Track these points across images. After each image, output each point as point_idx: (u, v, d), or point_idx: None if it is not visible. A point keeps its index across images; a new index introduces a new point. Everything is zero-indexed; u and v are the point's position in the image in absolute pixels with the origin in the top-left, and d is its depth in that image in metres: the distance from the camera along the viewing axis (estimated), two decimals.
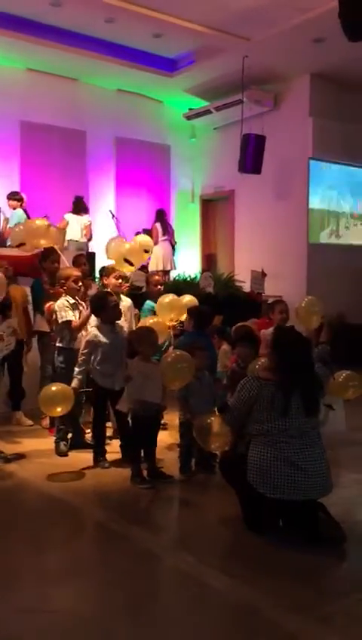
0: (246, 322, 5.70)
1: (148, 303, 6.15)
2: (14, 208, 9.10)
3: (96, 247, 9.32)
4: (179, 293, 6.00)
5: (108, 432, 5.30)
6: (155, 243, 10.27)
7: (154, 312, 5.88)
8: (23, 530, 3.76)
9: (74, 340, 5.26)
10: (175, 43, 9.63)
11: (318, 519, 3.45)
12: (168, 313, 5.56)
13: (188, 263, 11.64)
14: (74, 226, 9.52)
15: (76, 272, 5.53)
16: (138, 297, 6.52)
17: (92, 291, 6.09)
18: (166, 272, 10.21)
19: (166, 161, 12.30)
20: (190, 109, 11.90)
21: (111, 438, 5.33)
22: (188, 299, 5.81)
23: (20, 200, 9.17)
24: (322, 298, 5.57)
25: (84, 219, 9.76)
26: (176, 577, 3.17)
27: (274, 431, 3.47)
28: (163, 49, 9.98)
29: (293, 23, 8.62)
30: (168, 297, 5.68)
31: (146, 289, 6.57)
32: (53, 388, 4.70)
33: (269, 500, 3.44)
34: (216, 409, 4.33)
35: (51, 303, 5.57)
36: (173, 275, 10.46)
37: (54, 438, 5.30)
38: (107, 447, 5.05)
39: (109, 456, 4.98)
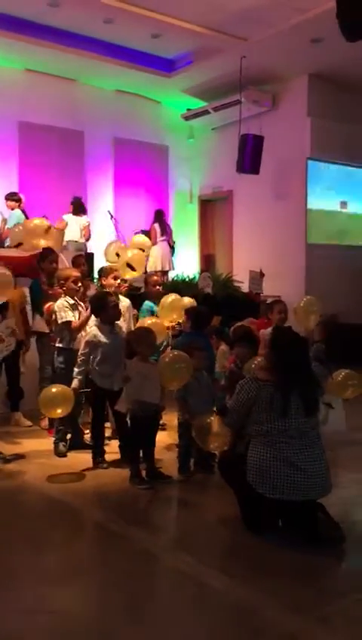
0: (243, 322, 5.70)
1: (147, 304, 6.15)
2: (12, 209, 9.11)
3: (95, 247, 9.32)
4: (178, 294, 5.99)
5: (107, 433, 5.30)
6: (154, 243, 10.31)
7: (152, 313, 5.88)
8: (21, 530, 3.75)
9: (73, 340, 5.25)
10: (173, 43, 9.64)
11: (317, 519, 3.45)
12: (170, 314, 5.55)
13: (186, 264, 11.65)
14: (73, 227, 9.52)
15: (75, 273, 5.53)
16: (136, 298, 6.52)
17: (91, 292, 6.09)
18: (164, 273, 10.22)
19: (164, 161, 12.31)
20: (188, 110, 11.92)
21: (109, 438, 5.32)
22: (187, 301, 5.80)
23: (18, 200, 9.17)
24: (320, 298, 5.58)
25: (82, 219, 9.76)
26: (175, 577, 3.17)
27: (273, 431, 3.47)
28: (161, 49, 10.00)
29: (291, 24, 8.63)
30: (171, 297, 5.68)
31: (145, 289, 6.57)
32: (54, 389, 4.69)
33: (268, 501, 3.44)
34: (214, 410, 4.33)
35: (51, 303, 5.57)
36: (171, 275, 10.46)
37: (53, 438, 5.30)
38: (106, 448, 5.05)
39: (108, 457, 4.97)
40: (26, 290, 6.27)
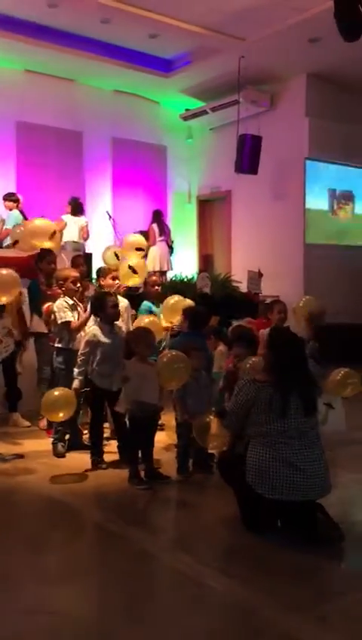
0: (241, 322, 5.70)
1: (145, 304, 6.15)
2: (10, 209, 9.10)
3: (93, 247, 9.31)
4: (176, 294, 5.99)
5: (106, 433, 5.30)
6: (152, 244, 10.31)
7: (151, 313, 5.88)
8: (20, 530, 3.75)
9: (73, 340, 5.25)
10: (171, 44, 9.64)
11: (317, 520, 3.45)
12: (172, 315, 5.54)
13: (185, 264, 11.64)
14: (71, 227, 9.51)
15: (74, 273, 5.53)
16: (135, 298, 6.52)
17: (89, 292, 6.09)
18: (163, 273, 10.21)
19: (162, 161, 12.30)
20: (186, 110, 11.91)
21: (108, 439, 5.32)
22: (189, 302, 5.80)
23: (16, 201, 9.16)
24: (319, 298, 5.58)
25: (81, 220, 9.75)
26: (174, 578, 3.17)
27: (272, 432, 3.47)
28: (159, 50, 9.99)
29: (289, 23, 8.63)
30: (173, 299, 5.67)
31: (143, 290, 6.57)
32: (56, 393, 4.68)
33: (268, 501, 3.43)
34: (214, 413, 4.32)
35: (50, 304, 5.56)
36: (169, 275, 10.45)
37: (52, 439, 5.29)
38: (104, 448, 5.05)
39: (107, 457, 4.97)
40: (24, 291, 6.26)
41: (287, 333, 3.95)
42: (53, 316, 5.35)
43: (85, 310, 5.33)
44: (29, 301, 6.23)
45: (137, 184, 11.86)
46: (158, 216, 10.83)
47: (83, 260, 7.26)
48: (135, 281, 5.78)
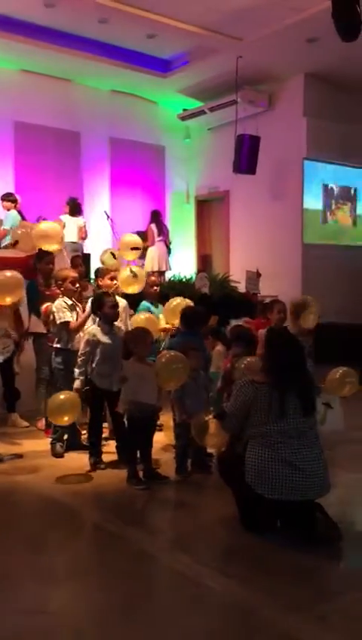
0: (239, 322, 5.70)
1: (144, 304, 6.14)
2: (8, 209, 9.08)
3: (92, 248, 9.31)
4: (175, 295, 5.99)
5: (104, 433, 5.30)
6: (151, 244, 10.31)
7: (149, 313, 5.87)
8: (19, 530, 3.75)
9: (72, 340, 5.25)
10: (169, 44, 9.64)
11: (316, 519, 3.45)
12: (174, 317, 5.54)
13: (183, 264, 11.64)
14: (70, 227, 9.50)
15: (73, 274, 5.53)
16: (133, 298, 6.50)
17: (88, 293, 6.09)
18: (161, 273, 10.21)
19: (160, 161, 12.31)
20: (184, 110, 11.91)
21: (107, 439, 5.32)
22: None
23: (14, 201, 9.14)
24: (317, 298, 5.59)
25: (79, 220, 9.75)
26: (172, 578, 3.17)
27: (272, 432, 3.46)
28: (157, 50, 9.99)
29: (287, 23, 8.63)
30: (176, 301, 5.68)
31: (142, 290, 6.55)
32: (61, 396, 4.66)
33: (267, 501, 3.43)
34: (213, 414, 4.32)
35: (48, 304, 5.56)
36: (168, 275, 10.45)
37: (50, 439, 5.29)
38: (103, 449, 5.04)
39: (105, 458, 4.96)
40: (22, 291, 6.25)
41: (285, 333, 3.95)
42: (52, 316, 5.34)
43: (84, 310, 5.33)
44: (28, 301, 6.22)
45: (135, 184, 11.86)
46: (157, 217, 10.83)
47: (82, 260, 7.25)
48: (134, 289, 5.77)
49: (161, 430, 5.52)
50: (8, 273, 4.99)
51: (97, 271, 6.32)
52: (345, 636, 2.61)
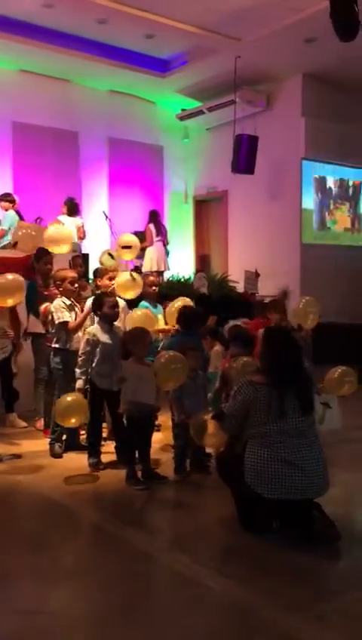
0: (237, 322, 5.70)
1: (143, 304, 6.14)
2: (6, 210, 9.08)
3: (90, 248, 9.30)
4: (174, 295, 5.99)
5: (103, 434, 5.29)
6: (150, 244, 10.31)
7: None
8: (17, 530, 3.75)
9: (70, 341, 5.24)
10: (167, 44, 9.64)
11: (313, 518, 3.45)
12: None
13: (181, 264, 11.64)
14: (69, 228, 9.49)
15: (72, 274, 5.53)
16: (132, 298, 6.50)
17: (86, 293, 6.09)
18: (160, 273, 10.20)
19: (159, 161, 12.30)
20: (183, 110, 11.91)
21: (105, 439, 5.32)
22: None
23: (13, 201, 9.14)
24: (316, 298, 5.60)
25: (77, 220, 9.75)
26: (171, 578, 3.17)
27: (272, 432, 3.46)
28: (155, 50, 9.99)
29: (285, 23, 8.63)
30: (178, 302, 5.68)
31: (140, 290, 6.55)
32: (68, 398, 4.65)
33: (267, 500, 3.43)
34: (211, 415, 4.32)
35: (47, 304, 5.56)
36: (166, 275, 10.45)
37: (49, 439, 5.29)
38: (102, 449, 5.04)
39: (104, 458, 4.96)
40: None
41: (283, 333, 3.95)
42: (50, 316, 5.34)
43: (82, 311, 5.33)
44: (26, 302, 6.21)
45: (134, 184, 11.85)
46: (155, 217, 10.83)
47: (81, 260, 7.25)
48: (131, 294, 5.78)
49: (159, 430, 5.53)
50: (10, 276, 5.00)
51: (96, 271, 6.32)
52: (345, 635, 2.61)
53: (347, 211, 11.55)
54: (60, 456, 5.17)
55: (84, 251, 9.39)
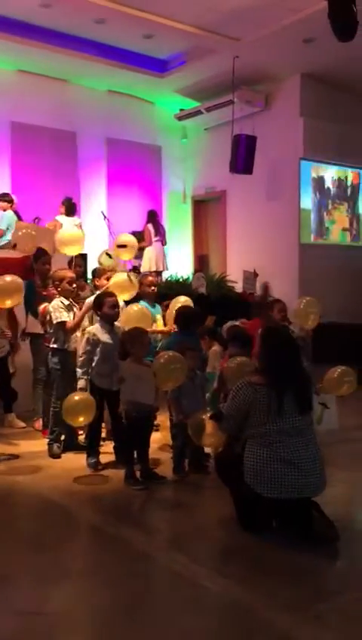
0: (236, 322, 5.70)
1: (142, 304, 6.13)
2: (5, 210, 9.07)
3: (88, 248, 9.28)
4: (172, 295, 5.99)
5: (102, 434, 5.29)
6: (148, 244, 10.31)
7: None
8: (16, 531, 3.75)
9: (68, 341, 5.24)
10: (166, 44, 9.64)
11: (312, 517, 3.45)
12: None
13: (180, 264, 11.64)
14: (67, 228, 9.48)
15: (70, 274, 5.52)
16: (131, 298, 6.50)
17: (85, 293, 6.08)
18: (158, 273, 10.21)
19: (157, 161, 12.30)
20: (181, 110, 11.91)
21: (104, 439, 5.31)
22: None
23: (11, 202, 9.13)
24: (316, 298, 5.61)
25: (75, 220, 9.74)
26: (170, 578, 3.16)
27: (271, 432, 3.46)
28: (153, 50, 9.99)
29: (283, 24, 8.64)
30: (180, 302, 5.67)
31: (139, 290, 6.55)
32: (76, 397, 4.65)
33: (266, 500, 3.43)
34: (210, 415, 4.32)
35: (46, 304, 5.55)
36: (165, 275, 10.45)
37: (47, 439, 5.28)
38: (101, 449, 5.03)
39: (103, 458, 4.96)
40: None
41: (281, 332, 3.95)
42: (48, 317, 5.34)
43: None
44: (24, 302, 6.20)
45: (132, 184, 11.85)
46: (153, 217, 10.83)
47: (81, 260, 7.24)
48: (125, 296, 5.78)
49: (158, 430, 5.53)
50: (8, 278, 4.99)
51: (94, 271, 6.33)
52: (343, 636, 2.61)
53: (345, 211, 11.56)
54: (59, 457, 5.16)
55: (82, 251, 9.39)
